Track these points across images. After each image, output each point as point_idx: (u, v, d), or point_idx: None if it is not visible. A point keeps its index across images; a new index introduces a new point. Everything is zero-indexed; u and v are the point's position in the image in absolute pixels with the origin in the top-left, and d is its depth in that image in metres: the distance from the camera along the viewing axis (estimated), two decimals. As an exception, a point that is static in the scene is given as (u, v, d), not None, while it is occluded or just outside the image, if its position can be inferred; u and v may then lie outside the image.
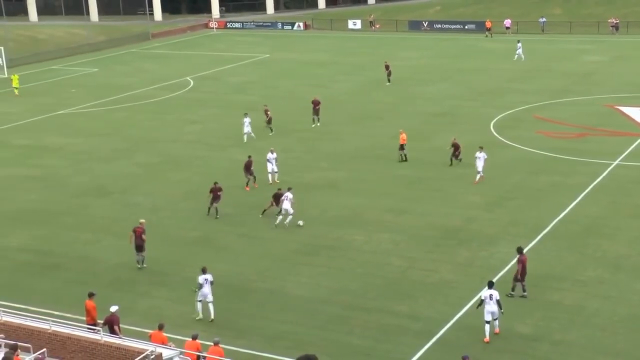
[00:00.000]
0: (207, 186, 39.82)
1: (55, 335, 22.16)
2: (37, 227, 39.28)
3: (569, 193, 40.66)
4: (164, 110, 63.63)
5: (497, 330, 27.27)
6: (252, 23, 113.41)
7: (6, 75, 78.71)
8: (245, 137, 51.64)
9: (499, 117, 56.72)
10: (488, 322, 27.00)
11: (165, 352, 21.96)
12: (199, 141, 53.68)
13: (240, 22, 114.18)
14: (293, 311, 29.66)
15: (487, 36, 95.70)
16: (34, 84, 77.33)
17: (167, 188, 44.16)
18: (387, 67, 69.94)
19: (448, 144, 46.22)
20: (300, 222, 37.64)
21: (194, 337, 24.58)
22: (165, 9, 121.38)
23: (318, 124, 55.73)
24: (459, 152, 45.31)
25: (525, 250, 32.70)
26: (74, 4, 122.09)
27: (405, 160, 46.69)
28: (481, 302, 27.25)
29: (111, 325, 25.49)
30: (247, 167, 43.11)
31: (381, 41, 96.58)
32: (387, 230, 36.83)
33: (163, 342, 23.68)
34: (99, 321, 26.14)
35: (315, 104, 56.08)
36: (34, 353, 21.24)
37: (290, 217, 37.43)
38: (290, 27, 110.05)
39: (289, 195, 37.52)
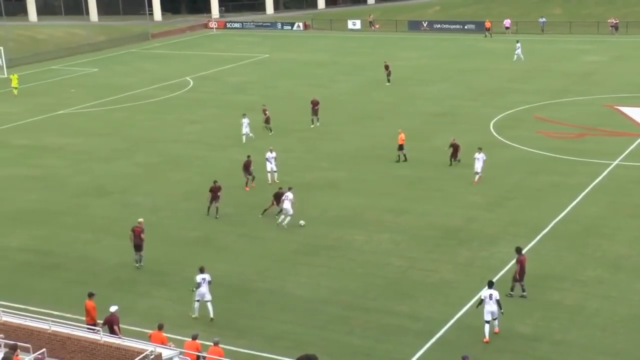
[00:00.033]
0: (207, 186, 39.80)
1: (55, 335, 22.15)
2: (37, 227, 39.27)
3: (568, 193, 40.66)
4: (163, 110, 63.63)
5: (496, 330, 27.26)
6: (251, 23, 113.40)
7: (6, 75, 78.69)
8: (244, 137, 51.59)
9: (498, 117, 56.73)
10: (488, 322, 26.99)
11: (165, 352, 21.95)
12: (198, 141, 53.67)
13: (239, 22, 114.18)
14: (293, 311, 29.66)
15: (486, 36, 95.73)
16: (34, 84, 77.33)
17: (167, 188, 44.15)
18: (386, 67, 69.93)
19: (447, 144, 46.17)
20: (302, 222, 37.63)
21: (194, 337, 24.57)
22: (165, 8, 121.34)
23: (317, 124, 55.72)
24: (458, 153, 45.21)
25: (525, 250, 32.76)
26: (73, 4, 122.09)
27: (405, 160, 46.68)
28: (481, 302, 27.25)
29: (111, 325, 25.48)
30: (246, 167, 43.10)
31: (381, 41, 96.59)
32: (388, 230, 36.82)
33: (163, 342, 23.67)
34: (98, 321, 26.12)
35: (314, 104, 56.07)
36: (33, 353, 21.23)
37: (288, 218, 37.40)
38: (289, 27, 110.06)
39: (289, 195, 37.50)
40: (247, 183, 43.12)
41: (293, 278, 32.40)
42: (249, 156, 43.69)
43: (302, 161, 48.16)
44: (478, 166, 42.52)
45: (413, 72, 74.73)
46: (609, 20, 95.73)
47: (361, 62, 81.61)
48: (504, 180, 43.09)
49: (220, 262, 33.97)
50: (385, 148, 48.57)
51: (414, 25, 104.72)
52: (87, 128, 58.52)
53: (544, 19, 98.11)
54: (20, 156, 52.03)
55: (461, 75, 72.72)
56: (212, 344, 24.50)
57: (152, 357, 21.05)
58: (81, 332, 22.68)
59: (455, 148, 45.25)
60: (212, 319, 28.96)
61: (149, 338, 24.57)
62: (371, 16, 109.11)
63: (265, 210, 38.96)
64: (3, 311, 23.80)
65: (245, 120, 51.69)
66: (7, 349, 21.20)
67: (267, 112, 54.12)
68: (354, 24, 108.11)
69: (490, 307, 26.94)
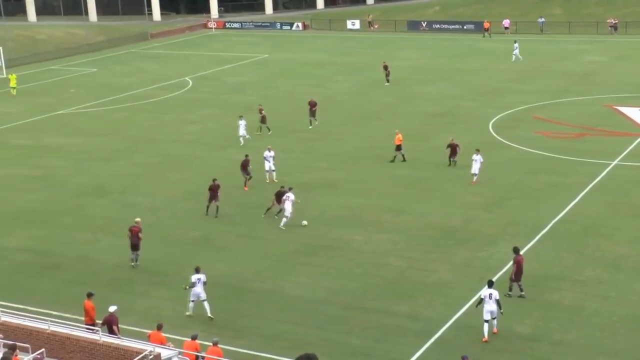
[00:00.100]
0: (207, 186, 39.77)
1: (54, 335, 22.15)
2: (37, 227, 39.26)
3: (568, 193, 40.67)
4: (163, 110, 63.63)
5: (495, 330, 27.26)
6: (250, 23, 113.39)
7: (5, 75, 78.66)
8: (241, 139, 51.40)
9: (498, 117, 56.74)
10: (487, 322, 26.99)
11: (164, 352, 21.95)
12: (198, 141, 53.67)
13: (239, 22, 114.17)
14: (292, 311, 29.66)
15: (484, 36, 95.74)
16: (33, 84, 77.32)
17: (167, 188, 44.15)
18: (385, 67, 69.90)
19: (446, 144, 46.11)
20: (305, 222, 37.63)
21: (194, 337, 24.57)
22: (165, 8, 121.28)
23: (316, 123, 55.65)
24: (457, 154, 45.09)
25: (524, 250, 32.84)
26: (72, 4, 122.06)
27: (404, 160, 46.69)
28: (480, 301, 27.25)
29: (110, 325, 25.49)
30: (244, 166, 43.11)
31: (380, 41, 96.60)
32: (386, 231, 36.83)
33: (162, 342, 23.67)
34: (97, 321, 26.12)
35: (312, 105, 56.00)
36: (32, 353, 21.23)
37: (284, 219, 37.36)
38: (289, 27, 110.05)
39: (290, 195, 37.47)
40: (245, 183, 43.14)
41: (292, 278, 32.41)
42: (246, 155, 43.69)
43: (301, 161, 48.17)
44: (475, 168, 42.52)
45: (412, 72, 74.74)
46: (608, 20, 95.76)
47: (360, 62, 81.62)
48: (503, 181, 43.10)
49: (219, 262, 33.98)
50: (384, 148, 48.56)
51: (413, 26, 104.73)
52: (86, 128, 58.52)
53: (543, 19, 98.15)
54: (19, 156, 52.03)
55: (460, 76, 72.74)
56: (211, 344, 24.51)
57: (151, 357, 21.05)
58: (80, 332, 22.69)
59: (453, 148, 45.21)
60: (211, 317, 28.97)
61: (148, 338, 24.57)
62: (370, 16, 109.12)
63: (267, 209, 38.95)
64: (2, 311, 23.80)
65: (242, 122, 51.58)
66: (6, 349, 21.19)
67: (262, 112, 54.07)
68: (353, 24, 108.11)
69: (490, 307, 26.94)
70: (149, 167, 48.18)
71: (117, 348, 21.44)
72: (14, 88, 71.69)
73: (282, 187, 38.61)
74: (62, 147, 53.63)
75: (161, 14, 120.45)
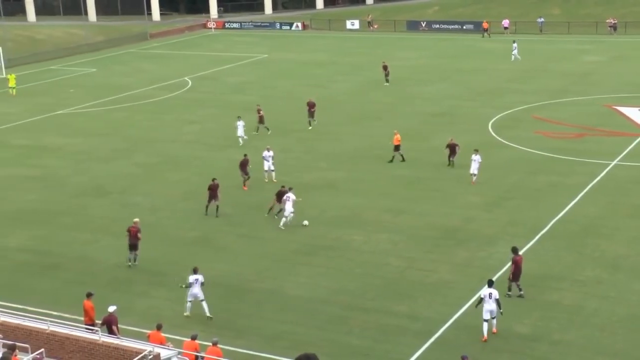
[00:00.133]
0: (206, 186, 39.77)
1: (53, 335, 22.14)
2: (36, 227, 39.25)
3: (567, 193, 40.68)
4: (162, 110, 63.63)
5: (494, 329, 27.26)
6: (250, 23, 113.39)
7: (4, 76, 78.63)
8: (240, 140, 51.33)
9: (497, 117, 56.75)
10: (486, 321, 27.01)
11: (164, 352, 21.95)
12: (197, 141, 53.67)
13: (238, 22, 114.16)
14: (292, 311, 29.66)
15: (484, 36, 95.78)
16: (33, 84, 77.31)
17: (166, 188, 44.15)
18: (385, 67, 69.88)
19: (445, 144, 46.09)
20: (306, 222, 37.63)
21: (193, 338, 24.57)
22: (163, 8, 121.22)
23: (315, 123, 55.59)
24: (456, 154, 45.01)
25: (523, 250, 32.86)
26: (72, 4, 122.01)
27: (403, 160, 46.69)
28: (480, 301, 27.25)
29: (109, 325, 25.49)
30: (243, 166, 43.13)
31: (379, 41, 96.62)
32: (386, 231, 36.83)
33: (161, 342, 23.67)
34: (97, 321, 26.12)
35: (311, 106, 55.90)
36: (32, 353, 21.23)
37: (284, 219, 37.35)
38: (288, 27, 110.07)
39: (291, 195, 37.47)
40: (244, 182, 43.16)
41: (292, 278, 32.41)
42: (245, 155, 43.72)
43: (300, 161, 48.17)
44: (474, 168, 42.51)
45: (411, 72, 74.76)
46: (607, 21, 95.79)
47: (360, 62, 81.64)
48: (502, 181, 43.11)
49: (219, 262, 33.99)
50: (383, 148, 48.55)
51: (413, 26, 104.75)
52: (86, 128, 58.52)
53: (542, 19, 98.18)
54: (19, 156, 52.02)
55: (460, 76, 72.75)
56: (210, 344, 24.51)
57: (150, 357, 21.05)
58: (80, 332, 22.68)
59: (452, 148, 45.15)
60: (210, 317, 28.98)
61: (147, 338, 24.57)
62: (370, 16, 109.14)
63: (270, 209, 38.93)
64: (1, 311, 23.83)
65: (241, 123, 51.51)
66: (5, 349, 21.19)
67: (261, 112, 54.00)
68: (353, 24, 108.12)
69: (490, 306, 26.95)
70: (149, 167, 48.18)
71: (117, 348, 21.44)
72: (14, 88, 71.70)
73: (283, 186, 38.59)
74: (61, 147, 53.63)
75: (160, 14, 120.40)
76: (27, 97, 70.70)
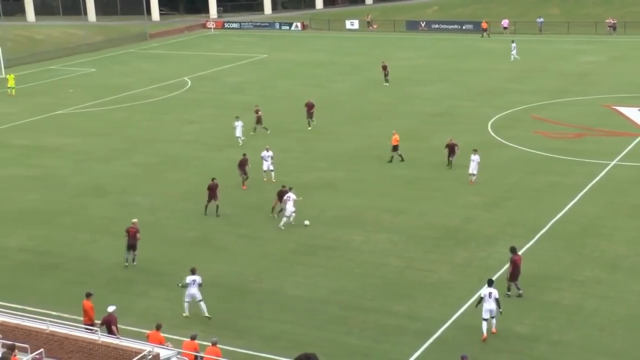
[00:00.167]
0: (205, 186, 39.77)
1: (52, 335, 22.14)
2: (36, 227, 39.25)
3: (566, 193, 40.70)
4: (162, 110, 63.63)
5: (494, 330, 27.28)
6: (249, 23, 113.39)
7: (3, 75, 78.61)
8: (240, 140, 51.23)
9: (496, 117, 56.77)
10: (485, 320, 27.04)
11: (163, 352, 21.95)
12: (197, 141, 53.68)
13: (237, 22, 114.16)
14: (291, 311, 29.66)
15: (483, 36, 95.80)
16: (32, 84, 77.29)
17: (166, 188, 44.16)
18: (384, 67, 69.86)
19: (445, 144, 46.06)
20: (307, 222, 37.63)
21: (193, 338, 24.57)
22: (164, 6, 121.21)
23: (314, 123, 55.52)
24: (455, 154, 44.91)
25: (523, 250, 32.89)
26: (71, 4, 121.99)
27: (402, 160, 46.69)
28: (480, 300, 27.26)
29: (109, 325, 25.51)
30: (242, 165, 43.15)
31: (379, 41, 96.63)
32: (386, 231, 36.84)
33: (160, 343, 23.68)
34: (96, 321, 26.13)
35: (309, 107, 55.76)
36: (31, 353, 21.23)
37: (284, 219, 37.37)
38: (287, 27, 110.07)
39: (291, 195, 37.49)
40: (243, 182, 43.19)
41: (291, 278, 32.41)
42: (244, 154, 43.75)
43: (300, 161, 48.18)
44: (473, 168, 42.50)
45: (411, 72, 74.78)
46: (606, 21, 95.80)
47: (359, 62, 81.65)
48: (501, 181, 43.12)
49: (219, 263, 34.00)
50: (383, 148, 48.55)
51: (412, 26, 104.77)
52: (85, 128, 58.52)
53: (541, 19, 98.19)
54: (19, 156, 52.01)
55: (459, 76, 72.77)
56: (209, 344, 24.51)
57: (149, 357, 21.05)
58: (79, 332, 22.69)
59: (451, 148, 45.07)
60: (208, 317, 29.01)
61: (146, 338, 24.58)
62: (369, 16, 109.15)
63: (273, 208, 38.92)
64: (1, 311, 23.85)
65: (239, 123, 51.43)
66: (5, 349, 21.20)
67: (259, 112, 53.91)
68: (352, 24, 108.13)
69: (489, 305, 26.97)
70: (148, 167, 48.19)
71: (116, 348, 21.45)
72: (13, 88, 71.67)
73: (284, 186, 38.60)
74: (61, 147, 53.63)
75: (160, 13, 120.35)
76: (27, 97, 70.69)
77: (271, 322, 28.88)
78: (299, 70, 79.81)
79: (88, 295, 27.04)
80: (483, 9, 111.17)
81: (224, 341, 25.99)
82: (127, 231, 33.72)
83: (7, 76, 73.66)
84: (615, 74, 71.31)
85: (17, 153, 52.82)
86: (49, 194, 44.10)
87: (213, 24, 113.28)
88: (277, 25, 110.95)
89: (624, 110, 57.37)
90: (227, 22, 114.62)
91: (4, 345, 21.50)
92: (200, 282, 29.09)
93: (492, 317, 27.16)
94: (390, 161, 46.74)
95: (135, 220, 34.49)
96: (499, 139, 51.16)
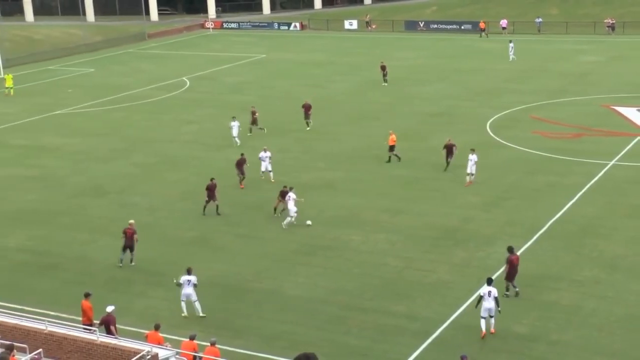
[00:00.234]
0: (204, 186, 39.77)
1: (51, 335, 22.13)
2: (35, 227, 39.24)
3: (565, 193, 40.71)
4: (160, 110, 63.61)
5: (492, 330, 27.28)
6: (248, 23, 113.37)
7: (2, 76, 78.57)
8: (237, 141, 51.11)
9: (495, 117, 56.78)
10: (484, 318, 27.07)
11: (162, 353, 21.95)
12: (195, 141, 53.66)
13: (236, 22, 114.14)
14: (290, 311, 29.66)
15: (481, 36, 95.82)
16: (31, 84, 77.26)
17: (164, 188, 44.15)
18: (383, 67, 69.84)
19: (443, 145, 45.96)
20: (309, 222, 37.63)
21: (192, 338, 24.56)
22: (162, 8, 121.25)
23: (311, 124, 55.43)
24: (453, 154, 44.70)
25: (521, 251, 32.91)
26: (70, 4, 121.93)
27: (399, 160, 46.67)
28: (480, 299, 27.26)
29: (107, 325, 25.50)
30: (239, 165, 43.18)
31: (377, 41, 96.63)
32: (384, 231, 36.84)
33: (159, 343, 23.68)
34: (95, 321, 26.12)
35: (307, 108, 55.63)
36: (30, 353, 21.22)
37: (288, 219, 37.39)
38: (286, 27, 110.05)
39: (291, 195, 37.50)
40: (240, 181, 43.22)
41: (290, 278, 32.40)
42: (242, 154, 43.79)
43: (298, 161, 48.17)
44: (471, 168, 42.47)
45: (409, 73, 74.78)
46: (605, 21, 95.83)
47: (358, 62, 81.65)
48: (500, 181, 43.13)
49: (217, 262, 33.99)
50: (381, 148, 48.52)
51: (411, 26, 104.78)
52: (84, 128, 58.50)
53: (540, 19, 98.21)
54: (17, 156, 52.00)
55: (458, 76, 72.78)
56: (208, 344, 24.51)
57: (148, 357, 21.04)
58: (77, 333, 22.67)
59: (449, 148, 44.86)
60: (203, 316, 29.05)
61: (145, 338, 24.57)
62: (368, 16, 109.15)
63: (275, 208, 38.89)
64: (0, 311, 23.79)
65: (235, 123, 51.33)
66: (3, 349, 21.19)
67: (256, 114, 53.76)
68: (351, 24, 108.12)
69: (489, 304, 27.00)
70: (147, 167, 48.17)
71: (115, 348, 21.44)
72: (11, 88, 71.62)
73: (285, 186, 38.60)
74: (60, 147, 53.61)
75: (159, 13, 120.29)
76: (25, 97, 70.66)
77: (270, 322, 28.88)
78: (298, 70, 79.81)
79: (87, 296, 27.04)
80: (482, 9, 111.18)
81: (222, 341, 25.99)
82: (124, 232, 33.75)
83: (5, 76, 73.61)
84: (614, 74, 71.34)
85: (15, 153, 52.80)
86: (48, 194, 44.08)
87: (212, 24, 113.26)
88: (276, 25, 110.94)
89: (622, 110, 57.39)
90: (225, 22, 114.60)
91: (2, 346, 21.47)
92: (196, 282, 29.11)
93: (491, 317, 27.17)
94: (389, 161, 46.76)
95: (132, 221, 34.50)
96: (497, 139, 51.17)
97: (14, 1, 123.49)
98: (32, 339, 22.05)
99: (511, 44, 79.95)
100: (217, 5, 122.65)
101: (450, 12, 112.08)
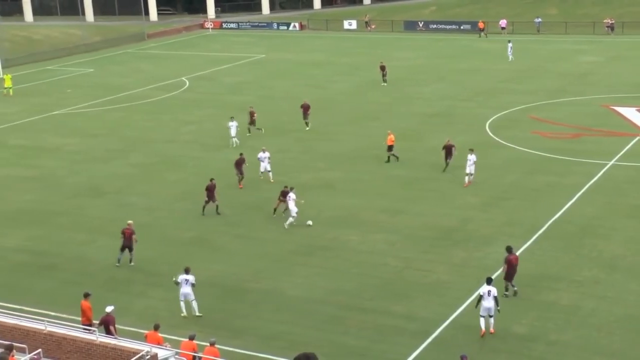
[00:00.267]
0: (203, 186, 39.77)
1: (50, 335, 22.12)
2: (33, 227, 39.22)
3: (564, 193, 40.71)
4: (159, 110, 63.60)
5: (492, 330, 27.29)
6: (247, 23, 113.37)
7: (1, 76, 78.53)
8: (233, 141, 51.00)
9: (494, 117, 56.78)
10: (483, 317, 27.10)
11: (161, 353, 21.94)
12: (194, 141, 53.65)
13: (235, 22, 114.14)
14: (289, 311, 29.66)
15: (480, 36, 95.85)
16: (30, 84, 77.25)
17: (163, 188, 44.13)
18: (382, 67, 69.82)
19: (442, 145, 45.92)
20: (309, 222, 37.62)
21: (191, 338, 24.56)
22: (162, 7, 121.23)
23: (310, 124, 55.38)
24: (452, 155, 44.62)
25: (520, 251, 32.91)
26: (69, 4, 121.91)
27: (397, 160, 46.67)
28: (480, 299, 27.26)
29: (107, 325, 25.49)
30: (238, 164, 43.19)
31: (377, 41, 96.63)
32: (383, 231, 36.83)
33: (158, 343, 23.68)
34: (94, 321, 26.12)
35: (305, 108, 55.61)
36: (29, 353, 21.21)
37: (290, 219, 37.39)
38: (285, 27, 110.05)
39: (291, 195, 37.50)
40: (239, 181, 43.22)
41: (288, 278, 32.40)
42: (241, 154, 43.82)
43: (298, 161, 48.17)
44: (470, 168, 42.45)
45: (409, 73, 74.78)
46: (604, 21, 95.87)
47: (357, 63, 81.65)
48: (499, 181, 43.13)
49: (216, 263, 33.99)
50: (381, 148, 48.51)
51: (410, 26, 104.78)
52: (83, 128, 58.50)
53: (539, 19, 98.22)
54: (16, 156, 51.99)
55: (457, 76, 72.79)
56: (207, 344, 24.51)
57: (147, 357, 21.04)
58: (77, 333, 22.66)
59: (448, 149, 44.75)
60: (199, 315, 29.08)
61: (144, 338, 24.57)
62: (367, 16, 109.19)
63: (275, 209, 38.87)
64: (-1, 311, 23.82)
65: (233, 124, 51.28)
66: (2, 350, 21.18)
67: (254, 115, 53.66)
68: (350, 24, 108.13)
69: (488, 304, 27.01)
70: (146, 168, 48.16)
71: (114, 348, 21.43)
72: (10, 88, 71.59)
73: (286, 186, 38.59)
74: (58, 147, 53.60)
75: (159, 13, 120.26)
76: (24, 97, 70.65)
77: (268, 322, 28.88)
78: (297, 70, 79.81)
79: (86, 296, 27.05)
80: (481, 9, 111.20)
81: (221, 341, 25.97)
82: (123, 232, 33.76)
83: (4, 76, 73.57)
84: (613, 74, 71.36)
85: (14, 153, 52.79)
86: (46, 194, 44.07)
87: (211, 24, 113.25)
88: (275, 26, 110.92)
89: (622, 110, 57.40)
90: (225, 22, 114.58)
91: (1, 346, 21.46)
92: (193, 281, 29.12)
93: (491, 317, 27.18)
94: (388, 161, 46.76)
95: (130, 221, 34.52)
96: (496, 139, 51.18)
97: (13, 1, 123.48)
98: (31, 339, 22.04)
99: (510, 44, 79.95)
100: (216, 6, 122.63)
101: (450, 12, 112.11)
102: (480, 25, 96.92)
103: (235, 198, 41.67)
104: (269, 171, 43.95)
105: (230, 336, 27.67)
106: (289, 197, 37.44)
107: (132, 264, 33.90)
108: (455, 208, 39.38)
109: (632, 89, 64.35)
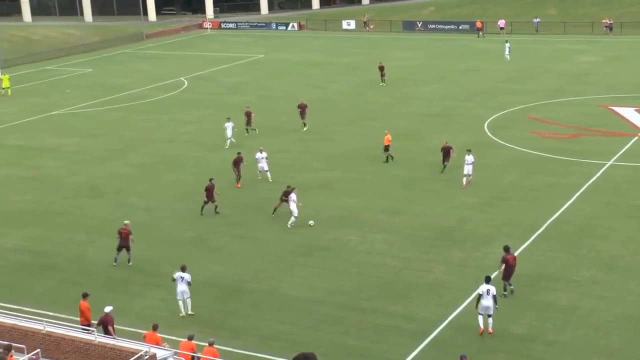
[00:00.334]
0: (202, 186, 39.78)
1: (49, 335, 22.14)
2: (32, 227, 39.22)
3: (563, 193, 40.72)
4: (158, 110, 63.60)
5: (490, 329, 27.30)
6: (246, 23, 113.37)
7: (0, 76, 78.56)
8: (227, 142, 50.99)
9: (493, 117, 56.80)
10: (481, 315, 27.13)
11: (160, 353, 21.95)
12: (193, 141, 53.65)
13: (234, 22, 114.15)
14: (288, 312, 29.67)
15: (478, 36, 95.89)
16: (29, 84, 77.23)
17: (162, 188, 44.13)
18: (381, 67, 69.81)
19: (441, 146, 45.87)
20: (311, 222, 37.62)
21: (190, 338, 24.57)
22: (160, 8, 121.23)
23: (307, 124, 55.35)
24: (450, 157, 44.54)
25: (519, 251, 32.93)
26: (68, 4, 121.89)
27: (392, 159, 46.63)
28: (479, 298, 27.28)
29: (105, 325, 25.50)
30: (236, 164, 43.21)
31: (375, 42, 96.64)
32: (382, 231, 36.84)
33: (157, 343, 23.68)
34: (93, 322, 26.12)
35: (302, 108, 55.58)
36: (27, 354, 21.22)
37: (292, 219, 37.39)
38: (284, 27, 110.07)
39: (292, 196, 37.51)
40: (237, 180, 43.22)
41: (288, 278, 32.41)
42: (239, 153, 43.81)
43: (297, 161, 48.17)
44: (467, 168, 42.42)
45: (408, 73, 74.79)
46: (603, 21, 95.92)
47: (356, 63, 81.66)
48: (498, 181, 43.15)
49: (215, 263, 33.99)
50: (380, 148, 48.46)
51: (409, 26, 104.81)
52: (82, 128, 58.49)
53: (538, 19, 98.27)
54: (15, 156, 51.98)
55: (456, 76, 72.81)
56: (207, 344, 24.52)
57: (146, 357, 21.06)
58: (75, 333, 22.68)
59: (446, 151, 44.68)
60: (191, 314, 29.19)
61: (143, 338, 24.56)
62: (366, 16, 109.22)
63: (275, 209, 38.86)
64: (-3, 312, 23.82)
65: (230, 125, 51.27)
66: (1, 350, 21.17)
67: (252, 115, 53.62)
68: (349, 24, 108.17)
69: (487, 302, 27.05)
70: (145, 168, 48.16)
71: (113, 348, 21.44)
72: (8, 88, 71.58)
73: (288, 186, 38.58)
74: (57, 147, 53.59)
75: (161, 13, 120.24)
76: (23, 98, 70.64)
77: (268, 322, 28.88)
78: (296, 70, 79.81)
79: (84, 296, 27.05)
80: (480, 9, 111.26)
81: (220, 341, 25.99)
82: (119, 232, 33.78)
83: (2, 76, 73.51)
84: (612, 74, 71.38)
85: (13, 153, 52.78)
86: (45, 195, 44.06)
87: (209, 24, 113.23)
88: (274, 26, 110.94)
89: (620, 110, 57.42)
90: (223, 22, 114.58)
91: (0, 346, 21.47)
92: (189, 280, 29.14)
93: (489, 316, 27.20)
94: (387, 161, 46.77)
95: (127, 221, 34.55)
96: (495, 139, 51.19)
97: (11, 1, 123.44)
98: (30, 339, 22.05)
99: (507, 44, 79.94)
100: (215, 6, 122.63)
101: (448, 12, 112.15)
102: (478, 24, 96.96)
103: (235, 198, 41.68)
104: (267, 171, 43.94)
105: (229, 336, 27.68)
106: (290, 197, 37.44)
107: (131, 264, 33.91)
108: (454, 208, 39.39)
109: (631, 89, 64.39)
